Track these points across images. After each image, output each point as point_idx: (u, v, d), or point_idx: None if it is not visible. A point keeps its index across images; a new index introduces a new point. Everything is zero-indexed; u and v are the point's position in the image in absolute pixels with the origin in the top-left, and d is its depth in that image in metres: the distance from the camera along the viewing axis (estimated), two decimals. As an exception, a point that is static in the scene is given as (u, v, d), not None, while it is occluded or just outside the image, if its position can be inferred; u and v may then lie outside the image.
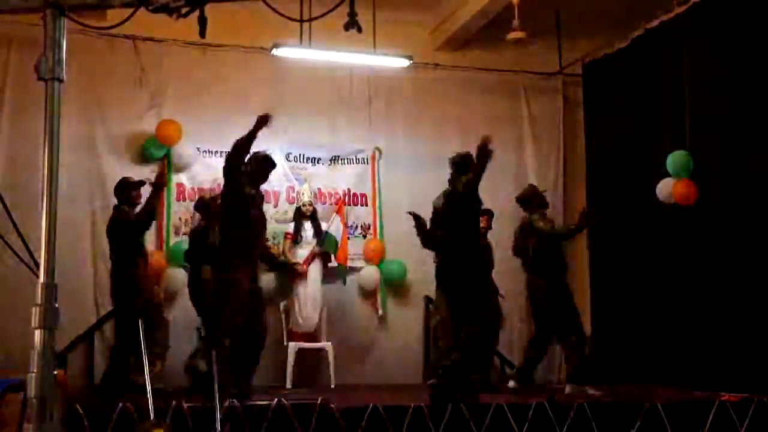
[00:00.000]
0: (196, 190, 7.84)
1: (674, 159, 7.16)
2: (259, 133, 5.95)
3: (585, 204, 8.40)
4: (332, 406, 5.33)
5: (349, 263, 8.07)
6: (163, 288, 7.40)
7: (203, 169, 7.88)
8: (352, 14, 2.64)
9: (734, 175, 6.84)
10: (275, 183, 8.05)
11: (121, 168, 7.69)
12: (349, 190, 8.39)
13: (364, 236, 8.40)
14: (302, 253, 7.55)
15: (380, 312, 8.25)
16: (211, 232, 6.65)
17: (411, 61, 7.66)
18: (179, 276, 7.41)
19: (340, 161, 8.38)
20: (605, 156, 8.68)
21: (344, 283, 8.06)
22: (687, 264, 7.30)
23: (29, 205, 3.83)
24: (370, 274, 8.21)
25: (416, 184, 8.20)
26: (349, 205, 8.37)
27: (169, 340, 6.84)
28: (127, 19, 2.80)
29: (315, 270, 7.56)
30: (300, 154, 8.29)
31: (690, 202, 7.13)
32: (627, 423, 5.63)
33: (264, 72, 8.00)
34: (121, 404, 4.91)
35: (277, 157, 8.08)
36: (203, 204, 7.12)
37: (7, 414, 4.22)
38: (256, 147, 8.23)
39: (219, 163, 7.90)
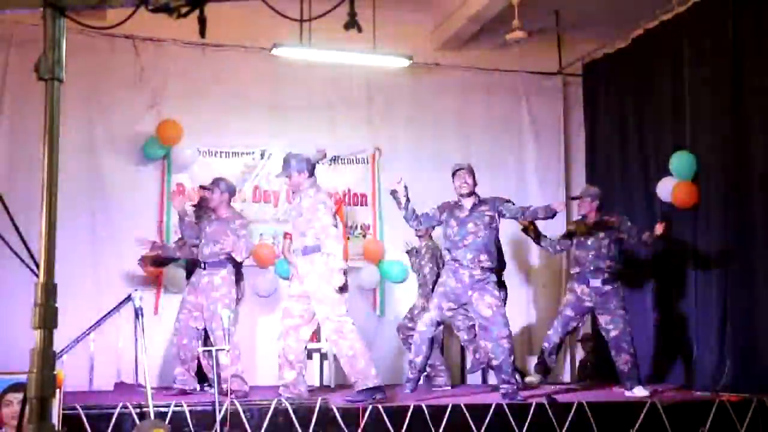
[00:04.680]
0: (196, 190, 7.82)
1: (678, 160, 7.16)
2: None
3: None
4: (332, 406, 5.33)
5: (349, 263, 8.05)
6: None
7: (203, 169, 7.86)
8: (352, 14, 2.63)
9: (734, 176, 6.83)
10: (275, 183, 8.06)
11: (121, 168, 7.70)
12: (349, 189, 8.39)
13: (364, 236, 8.40)
14: (302, 252, 7.53)
15: (377, 313, 8.25)
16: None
17: (411, 61, 7.65)
18: (179, 275, 7.40)
19: (339, 161, 8.37)
20: (605, 156, 8.68)
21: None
22: (686, 264, 7.30)
23: (29, 205, 3.83)
24: (370, 274, 8.21)
25: (416, 184, 8.15)
26: (349, 205, 8.37)
27: None
28: (127, 19, 2.80)
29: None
30: (300, 154, 8.28)
31: (690, 204, 7.13)
32: (627, 423, 5.63)
33: (264, 72, 8.00)
34: (121, 404, 4.92)
35: (277, 157, 8.16)
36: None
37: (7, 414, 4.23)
38: (255, 146, 8.28)
39: (219, 163, 7.97)
